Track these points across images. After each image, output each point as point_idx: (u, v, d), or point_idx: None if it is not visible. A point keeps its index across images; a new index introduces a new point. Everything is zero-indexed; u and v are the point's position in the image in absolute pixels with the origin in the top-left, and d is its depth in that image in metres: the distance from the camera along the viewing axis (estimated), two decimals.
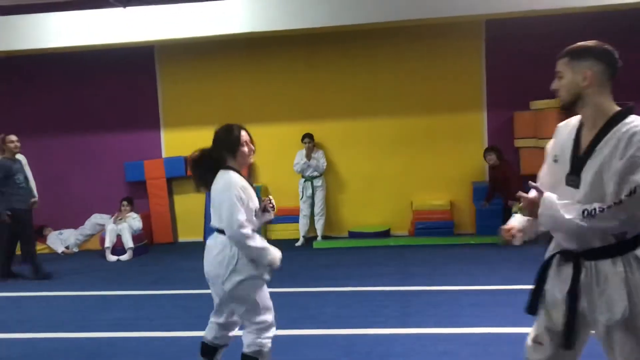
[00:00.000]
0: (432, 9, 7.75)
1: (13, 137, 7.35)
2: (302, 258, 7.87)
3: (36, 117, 9.76)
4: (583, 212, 2.23)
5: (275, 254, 3.42)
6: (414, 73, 9.08)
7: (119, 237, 8.46)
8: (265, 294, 3.45)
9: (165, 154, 9.63)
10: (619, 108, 2.33)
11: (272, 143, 9.35)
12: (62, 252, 8.93)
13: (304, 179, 8.76)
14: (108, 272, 7.68)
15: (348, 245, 8.47)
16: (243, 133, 3.50)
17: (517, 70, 8.79)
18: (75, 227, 9.32)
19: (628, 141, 2.20)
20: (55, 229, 9.30)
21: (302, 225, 8.79)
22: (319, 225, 8.81)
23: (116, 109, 9.66)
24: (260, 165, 9.47)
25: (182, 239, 9.63)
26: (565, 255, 2.44)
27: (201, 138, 10.38)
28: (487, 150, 8.20)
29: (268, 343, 3.44)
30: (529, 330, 2.67)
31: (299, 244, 8.68)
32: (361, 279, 6.49)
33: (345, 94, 9.23)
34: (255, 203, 3.44)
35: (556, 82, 2.42)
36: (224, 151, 3.47)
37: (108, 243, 8.41)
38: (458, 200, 8.98)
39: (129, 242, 8.42)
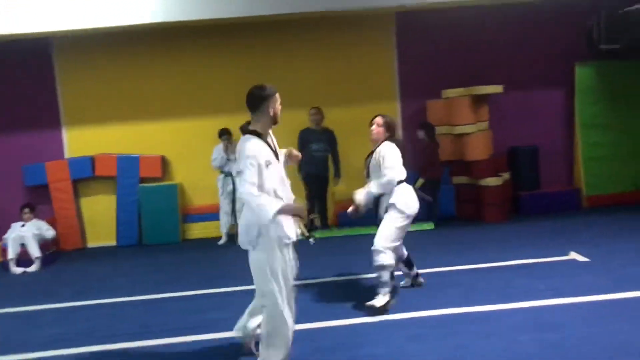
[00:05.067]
0: (343, 1, 7.85)
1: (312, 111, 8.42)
2: (228, 257, 7.63)
3: None
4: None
5: None
6: (331, 65, 9.13)
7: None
8: None
9: (68, 154, 8.97)
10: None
11: (186, 138, 9.04)
12: None
13: (223, 175, 8.49)
14: (17, 286, 7.03)
15: None
16: None
17: (428, 60, 9.08)
18: None
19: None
20: None
21: (224, 223, 8.53)
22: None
23: (9, 107, 8.86)
24: (174, 162, 9.09)
25: (91, 244, 9.04)
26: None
27: (107, 136, 9.80)
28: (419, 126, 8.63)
29: None
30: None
31: (221, 242, 8.44)
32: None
33: None
34: None
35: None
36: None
37: (12, 254, 7.71)
38: None
39: (36, 252, 7.76)
